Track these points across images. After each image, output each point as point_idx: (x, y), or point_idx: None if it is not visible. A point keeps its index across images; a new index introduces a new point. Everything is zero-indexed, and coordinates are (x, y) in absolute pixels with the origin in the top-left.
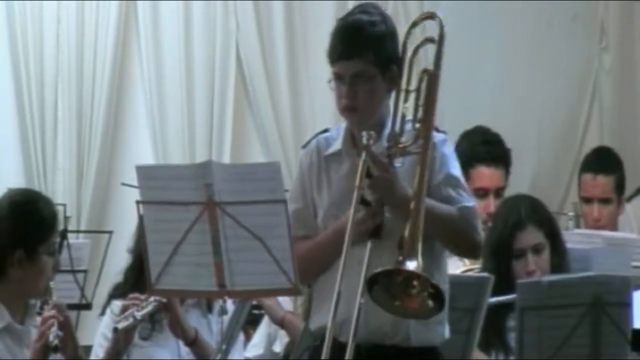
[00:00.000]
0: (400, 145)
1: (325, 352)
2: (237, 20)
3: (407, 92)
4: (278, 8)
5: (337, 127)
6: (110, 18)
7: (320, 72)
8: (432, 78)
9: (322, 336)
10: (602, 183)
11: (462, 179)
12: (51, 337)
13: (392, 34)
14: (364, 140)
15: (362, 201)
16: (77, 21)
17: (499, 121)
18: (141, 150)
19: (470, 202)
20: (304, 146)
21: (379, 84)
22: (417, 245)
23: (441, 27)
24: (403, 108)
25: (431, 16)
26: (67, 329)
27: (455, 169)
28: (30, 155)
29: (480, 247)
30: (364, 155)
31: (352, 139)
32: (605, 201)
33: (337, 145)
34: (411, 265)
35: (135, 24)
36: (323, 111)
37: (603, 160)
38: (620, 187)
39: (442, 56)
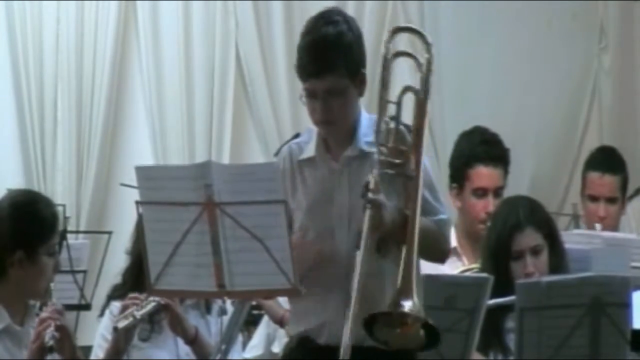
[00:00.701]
0: (389, 160)
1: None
2: (236, 20)
3: (387, 102)
4: (277, 7)
5: (307, 130)
6: (110, 18)
7: None
8: (420, 104)
9: (298, 340)
10: (609, 182)
11: (437, 186)
12: (47, 338)
13: (358, 39)
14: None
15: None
16: (77, 21)
17: (498, 121)
18: (140, 150)
19: (446, 213)
20: (276, 154)
21: (351, 93)
22: (412, 285)
23: (428, 51)
24: (385, 119)
25: (416, 32)
26: (64, 331)
27: (432, 175)
28: (30, 156)
29: (447, 256)
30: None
31: (324, 144)
32: (611, 200)
33: (310, 151)
34: (407, 305)
35: (135, 24)
36: None
37: (610, 159)
38: (625, 187)
39: (429, 82)
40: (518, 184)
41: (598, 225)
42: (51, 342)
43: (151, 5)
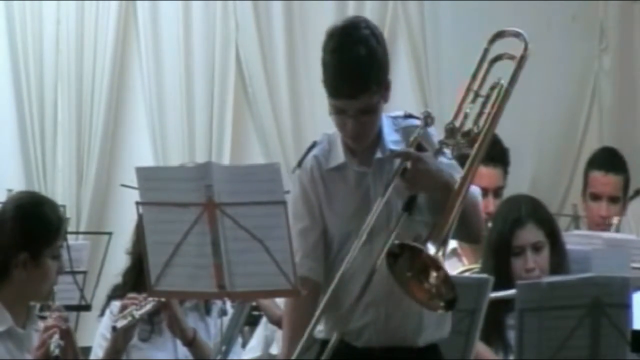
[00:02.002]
0: (457, 140)
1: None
2: (236, 21)
3: (477, 95)
4: (277, 8)
5: (324, 138)
6: (110, 19)
7: (319, 72)
8: (505, 93)
9: (324, 342)
10: (612, 181)
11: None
12: (52, 347)
13: (384, 49)
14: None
15: (405, 207)
16: (77, 22)
17: (499, 122)
18: (141, 151)
19: (477, 190)
20: (299, 164)
21: (380, 106)
22: (445, 233)
23: (525, 48)
24: (467, 107)
25: (516, 34)
26: (68, 337)
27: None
28: (30, 157)
29: (482, 233)
30: (414, 135)
31: (350, 149)
32: (613, 199)
33: (338, 159)
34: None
35: (135, 25)
36: (322, 111)
37: (613, 159)
38: (627, 187)
39: (519, 75)
40: (518, 185)
41: (612, 226)
42: (57, 352)
43: (151, 5)
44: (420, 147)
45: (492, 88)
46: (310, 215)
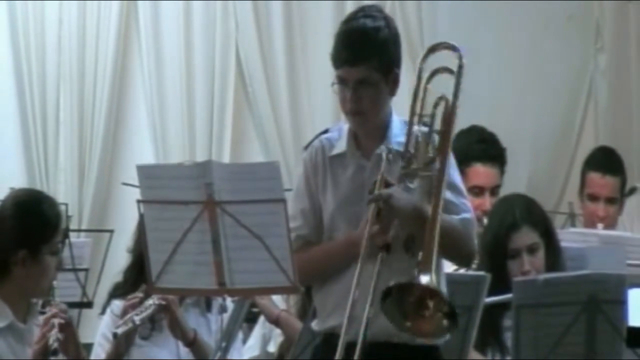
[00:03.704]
0: (414, 167)
1: (339, 351)
2: (236, 21)
3: (421, 116)
4: (277, 8)
5: (337, 127)
6: (111, 19)
7: (318, 72)
8: (450, 108)
9: (324, 335)
10: (610, 183)
11: (463, 188)
12: (51, 340)
13: (395, 38)
14: (384, 156)
15: (379, 214)
16: (79, 22)
17: (495, 121)
18: (142, 149)
19: (470, 212)
20: (306, 147)
21: (382, 89)
22: (432, 262)
23: (460, 59)
24: (416, 131)
25: (450, 47)
26: (69, 330)
27: (456, 177)
28: (33, 155)
29: (474, 257)
30: (381, 170)
31: (355, 140)
32: (611, 200)
33: (341, 147)
34: (425, 279)
35: (136, 25)
36: (322, 111)
37: (610, 160)
38: (624, 187)
39: (460, 87)
40: (515, 183)
41: (600, 225)
42: (55, 345)
43: (152, 5)
44: (387, 184)
45: (436, 105)
46: (309, 198)
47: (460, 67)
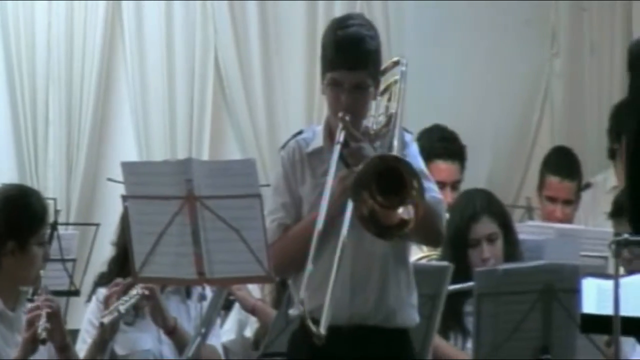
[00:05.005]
0: (372, 132)
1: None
2: (215, 26)
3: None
4: (253, 14)
5: (310, 128)
6: (97, 27)
7: (292, 75)
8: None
9: (301, 320)
10: (567, 187)
11: (428, 173)
12: (39, 330)
13: (380, 47)
14: (341, 115)
15: (345, 162)
16: (67, 27)
17: (457, 120)
18: (126, 148)
19: (438, 194)
20: (283, 147)
21: (371, 93)
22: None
23: (402, 64)
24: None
25: (397, 62)
26: (56, 319)
27: (422, 165)
28: (23, 154)
29: (443, 237)
30: (342, 123)
31: (330, 136)
32: (568, 202)
33: (317, 143)
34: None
35: (121, 30)
36: (295, 111)
37: (568, 164)
38: (579, 189)
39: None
40: (476, 179)
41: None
42: (44, 335)
43: (136, 12)
44: (346, 142)
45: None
46: (289, 193)
47: (403, 72)
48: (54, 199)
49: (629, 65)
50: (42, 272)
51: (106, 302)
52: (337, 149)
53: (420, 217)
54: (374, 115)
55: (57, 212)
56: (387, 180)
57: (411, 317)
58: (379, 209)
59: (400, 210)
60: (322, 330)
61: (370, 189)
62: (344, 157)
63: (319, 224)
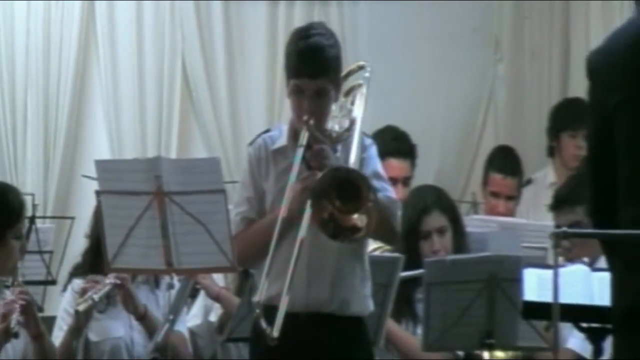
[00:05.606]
0: (334, 136)
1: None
2: (182, 34)
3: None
4: (218, 22)
5: (277, 127)
6: (72, 33)
7: (254, 79)
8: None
9: (264, 307)
10: (510, 184)
11: (384, 175)
12: (12, 324)
13: (338, 51)
14: (305, 119)
15: (307, 164)
16: (44, 33)
17: (408, 121)
18: (99, 146)
19: (393, 193)
20: (251, 143)
21: (332, 98)
22: None
23: (369, 73)
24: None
25: (362, 67)
26: (30, 311)
27: (379, 167)
28: (3, 152)
29: (398, 234)
30: (306, 126)
31: (294, 136)
32: (511, 197)
33: (282, 141)
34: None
35: (94, 37)
36: (257, 112)
37: (510, 163)
38: (521, 185)
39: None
40: (426, 175)
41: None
42: (16, 329)
43: (108, 20)
44: (316, 139)
45: (351, 90)
46: (254, 187)
47: (367, 78)
48: (32, 194)
49: (588, 73)
50: (19, 263)
51: (83, 293)
52: (300, 151)
53: (371, 229)
54: (338, 117)
55: (35, 206)
56: (345, 186)
57: (365, 306)
58: (337, 213)
59: (356, 216)
60: (275, 332)
61: (329, 197)
62: (306, 159)
63: (279, 222)
